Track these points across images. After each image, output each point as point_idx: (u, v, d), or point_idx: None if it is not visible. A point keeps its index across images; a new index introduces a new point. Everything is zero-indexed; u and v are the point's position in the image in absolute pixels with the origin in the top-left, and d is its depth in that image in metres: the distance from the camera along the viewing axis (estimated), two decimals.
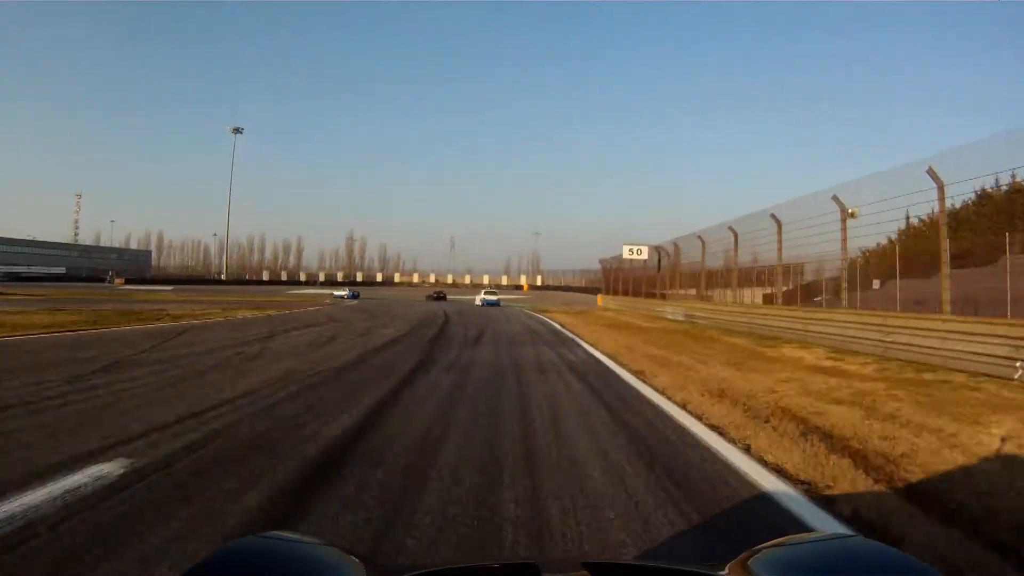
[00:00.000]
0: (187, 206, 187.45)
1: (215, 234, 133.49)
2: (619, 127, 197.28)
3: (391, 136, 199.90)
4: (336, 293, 65.17)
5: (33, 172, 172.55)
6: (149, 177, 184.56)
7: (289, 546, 1.33)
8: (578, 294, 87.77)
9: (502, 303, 49.49)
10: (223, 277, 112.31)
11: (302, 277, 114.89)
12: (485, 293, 50.15)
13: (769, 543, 1.30)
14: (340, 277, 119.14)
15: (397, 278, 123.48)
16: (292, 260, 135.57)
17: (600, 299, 51.17)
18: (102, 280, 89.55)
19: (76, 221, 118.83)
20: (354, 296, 61.51)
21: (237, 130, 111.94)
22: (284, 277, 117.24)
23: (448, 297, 62.41)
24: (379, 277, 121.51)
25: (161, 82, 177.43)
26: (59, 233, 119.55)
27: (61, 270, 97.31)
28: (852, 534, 2.69)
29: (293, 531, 1.71)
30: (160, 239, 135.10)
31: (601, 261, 50.47)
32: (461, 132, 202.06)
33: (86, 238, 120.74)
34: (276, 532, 1.59)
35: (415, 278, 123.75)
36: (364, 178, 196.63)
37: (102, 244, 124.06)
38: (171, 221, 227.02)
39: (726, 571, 1.18)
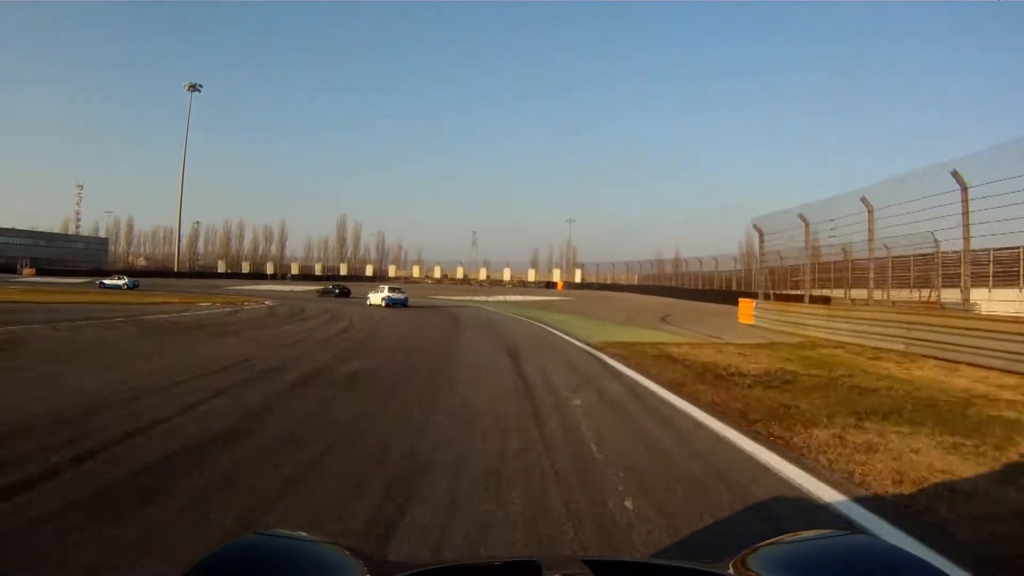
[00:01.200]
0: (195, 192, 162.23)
1: (198, 221, 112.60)
2: (660, 112, 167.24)
3: (400, 118, 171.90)
4: (106, 282, 51.44)
5: (37, 162, 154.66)
6: (149, 164, 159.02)
7: (291, 544, 1.34)
8: (639, 296, 60.27)
9: (518, 312, 30.90)
10: (219, 269, 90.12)
11: (269, 270, 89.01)
12: (388, 290, 35.00)
13: (770, 540, 1.31)
14: (319, 270, 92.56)
15: (393, 271, 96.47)
16: (275, 249, 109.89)
17: (749, 309, 23.38)
18: (12, 270, 75.82)
19: (78, 212, 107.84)
20: (133, 286, 50.18)
21: (194, 87, 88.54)
22: (245, 269, 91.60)
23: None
24: (369, 271, 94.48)
25: (155, 68, 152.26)
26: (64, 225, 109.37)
27: None
28: (853, 531, 2.43)
29: (296, 529, 1.60)
30: (130, 227, 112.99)
31: (757, 224, 22.75)
32: (481, 114, 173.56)
33: (77, 228, 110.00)
34: (278, 530, 1.61)
35: (415, 272, 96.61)
36: (364, 162, 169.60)
37: (71, 232, 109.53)
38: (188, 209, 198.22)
39: (727, 568, 1.16)
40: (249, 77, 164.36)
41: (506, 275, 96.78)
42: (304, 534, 1.50)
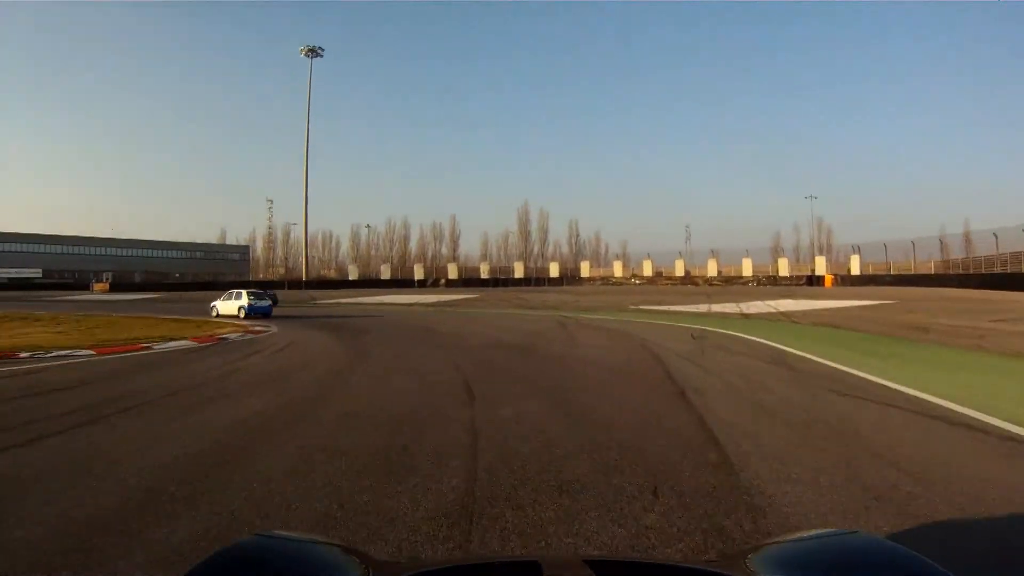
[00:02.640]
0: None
1: (368, 225, 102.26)
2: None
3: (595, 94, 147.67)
4: None
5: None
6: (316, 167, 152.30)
7: (292, 545, 1.34)
8: None
9: None
10: (350, 276, 76.82)
11: (418, 274, 72.68)
12: (249, 295, 27.20)
13: (770, 540, 1.36)
14: (484, 271, 73.25)
15: (586, 270, 73.91)
16: (445, 249, 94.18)
17: None
18: (85, 286, 71.50)
19: (270, 226, 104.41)
20: None
21: (313, 51, 76.14)
22: (387, 275, 75.83)
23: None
24: (554, 270, 72.88)
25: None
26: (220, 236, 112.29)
27: (37, 272, 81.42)
28: (855, 531, 1.95)
29: (296, 530, 1.72)
30: (287, 234, 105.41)
31: None
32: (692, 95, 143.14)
33: (270, 241, 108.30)
34: (279, 532, 1.62)
35: (617, 269, 72.97)
36: (549, 145, 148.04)
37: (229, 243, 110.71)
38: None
39: (727, 568, 1.16)
40: (429, 65, 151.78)
41: (746, 268, 69.29)
42: (305, 535, 1.55)
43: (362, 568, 1.11)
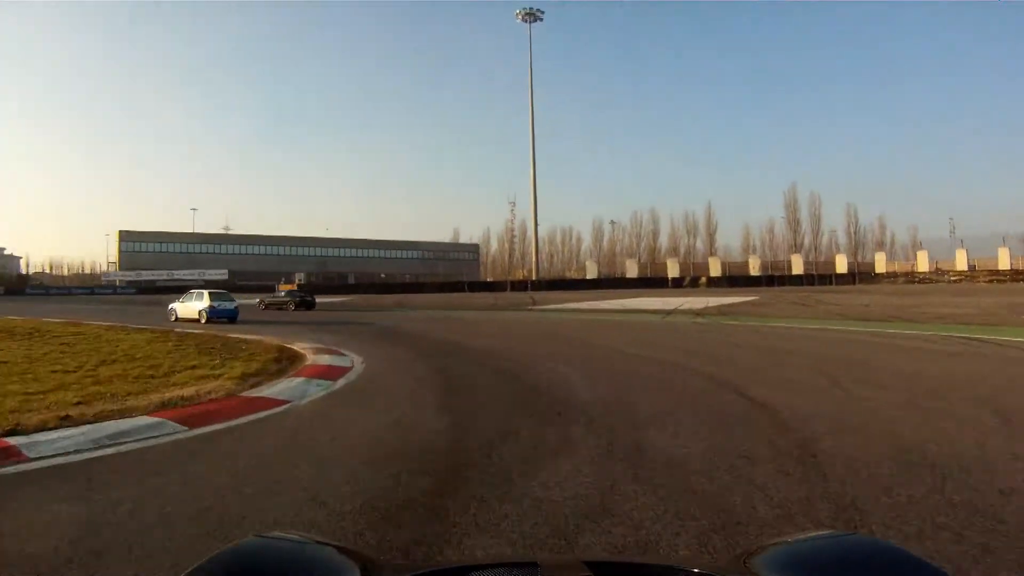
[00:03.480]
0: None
1: (612, 221, 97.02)
2: None
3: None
4: None
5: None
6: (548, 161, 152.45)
7: (291, 546, 1.34)
8: None
9: None
10: (587, 275, 72.33)
11: (671, 272, 66.16)
12: (211, 296, 24.24)
13: (770, 542, 1.32)
14: (754, 267, 64.94)
15: (880, 263, 62.24)
16: (700, 243, 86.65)
17: None
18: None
19: (511, 226, 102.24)
20: None
21: (531, 14, 71.20)
22: (633, 273, 68.66)
23: None
24: (840, 264, 62.09)
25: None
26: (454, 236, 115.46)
27: (223, 273, 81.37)
28: (855, 532, 2.34)
29: (296, 531, 1.61)
30: (523, 231, 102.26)
31: None
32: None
33: (511, 244, 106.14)
34: (278, 532, 1.59)
35: (921, 263, 60.51)
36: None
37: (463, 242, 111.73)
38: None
39: (728, 570, 1.18)
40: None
41: None
42: (304, 536, 1.51)
43: (361, 569, 1.09)
